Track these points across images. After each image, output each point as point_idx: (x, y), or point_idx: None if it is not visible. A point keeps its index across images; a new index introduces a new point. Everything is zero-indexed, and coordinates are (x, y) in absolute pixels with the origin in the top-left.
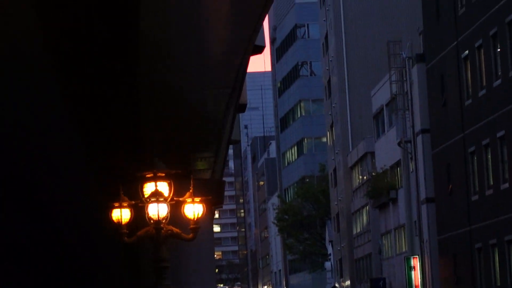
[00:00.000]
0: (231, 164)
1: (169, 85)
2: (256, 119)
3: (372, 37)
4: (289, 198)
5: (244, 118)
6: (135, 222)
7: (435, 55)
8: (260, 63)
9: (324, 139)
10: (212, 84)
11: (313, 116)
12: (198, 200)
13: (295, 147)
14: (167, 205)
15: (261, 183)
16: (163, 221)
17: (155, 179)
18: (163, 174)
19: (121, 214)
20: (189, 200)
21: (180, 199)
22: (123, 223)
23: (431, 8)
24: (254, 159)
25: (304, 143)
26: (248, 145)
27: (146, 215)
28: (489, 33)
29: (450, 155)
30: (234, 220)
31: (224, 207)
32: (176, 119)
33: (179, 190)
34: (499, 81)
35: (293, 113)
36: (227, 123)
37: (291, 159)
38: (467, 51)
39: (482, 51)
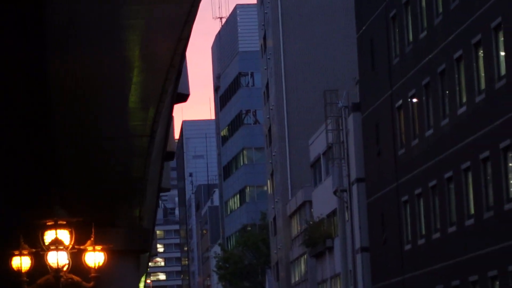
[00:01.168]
0: (176, 212)
1: (83, 133)
2: (201, 167)
3: (312, 86)
4: (231, 247)
5: (189, 166)
6: (36, 270)
7: (370, 104)
8: (206, 111)
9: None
10: (127, 133)
11: (256, 164)
12: (100, 249)
13: (238, 196)
14: (67, 253)
15: (205, 231)
16: (63, 269)
17: (55, 227)
18: (64, 222)
19: (21, 262)
20: (89, 248)
21: (81, 247)
22: (23, 271)
23: (367, 58)
24: (198, 207)
25: (246, 191)
26: (192, 193)
27: (46, 263)
28: (422, 83)
29: (384, 204)
30: (179, 268)
31: (170, 255)
32: (91, 168)
33: (100, 238)
34: (431, 131)
35: (236, 161)
36: (149, 171)
37: (233, 207)
38: (400, 101)
39: (415, 100)
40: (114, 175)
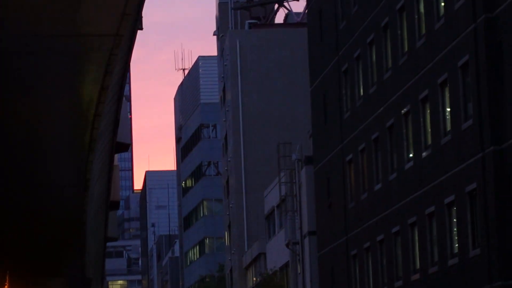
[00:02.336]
0: (140, 262)
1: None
2: (164, 217)
3: (269, 138)
4: None
5: (152, 216)
6: None
7: (322, 158)
8: (170, 161)
9: None
10: (59, 182)
11: (216, 216)
12: None
13: (197, 247)
14: None
15: (166, 282)
16: None
17: None
18: None
19: None
20: None
21: None
22: None
23: (320, 112)
24: (159, 257)
25: (206, 242)
26: (154, 243)
27: None
28: (371, 137)
29: (334, 258)
30: None
31: None
32: (26, 218)
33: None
34: (379, 185)
35: (196, 212)
36: (86, 220)
37: (193, 258)
38: (351, 155)
39: (364, 155)
40: (50, 225)
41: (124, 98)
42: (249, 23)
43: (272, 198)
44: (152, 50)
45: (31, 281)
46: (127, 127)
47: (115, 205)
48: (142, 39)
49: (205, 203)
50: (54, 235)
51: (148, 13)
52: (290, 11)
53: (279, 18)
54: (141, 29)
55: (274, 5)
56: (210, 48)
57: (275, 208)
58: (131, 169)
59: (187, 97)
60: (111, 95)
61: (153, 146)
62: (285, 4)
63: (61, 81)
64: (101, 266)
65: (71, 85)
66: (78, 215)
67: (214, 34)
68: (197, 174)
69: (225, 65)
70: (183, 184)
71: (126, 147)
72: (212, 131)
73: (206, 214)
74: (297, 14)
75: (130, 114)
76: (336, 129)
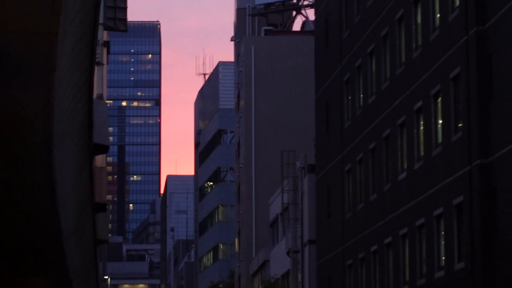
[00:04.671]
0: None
1: None
2: (183, 222)
3: (281, 146)
4: None
5: (172, 220)
6: None
7: (323, 166)
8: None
9: None
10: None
11: (230, 222)
12: None
13: (211, 252)
14: None
15: (181, 287)
16: None
17: None
18: None
19: None
20: None
21: None
22: None
23: (323, 121)
24: (176, 262)
25: (219, 248)
26: (172, 248)
27: None
28: (369, 147)
29: (332, 267)
30: None
31: None
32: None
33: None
34: (374, 195)
35: (211, 218)
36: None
37: (207, 264)
38: (349, 164)
39: (362, 165)
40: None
41: (101, 99)
42: (265, 29)
43: (276, 206)
44: (185, 55)
45: (10, 281)
46: (105, 129)
47: (101, 207)
48: (170, 44)
49: (220, 208)
50: (29, 236)
51: (175, 18)
52: (307, 18)
53: (297, 25)
54: (125, 31)
55: (292, 12)
56: (232, 53)
57: (279, 216)
58: (159, 173)
59: (207, 102)
60: (71, 96)
61: (180, 150)
62: (303, 11)
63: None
64: (95, 269)
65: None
66: (49, 217)
67: (231, 40)
68: (214, 179)
69: (240, 71)
70: (200, 189)
71: (105, 149)
72: (230, 136)
73: (221, 219)
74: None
75: (160, 118)
76: (337, 139)
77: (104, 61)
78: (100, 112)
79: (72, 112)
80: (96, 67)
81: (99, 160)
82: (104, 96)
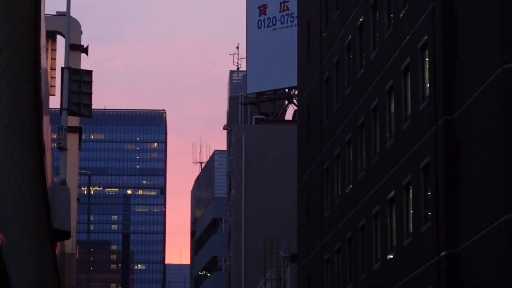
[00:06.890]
0: None
1: None
2: None
3: (271, 234)
4: None
5: None
6: None
7: (305, 256)
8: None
9: None
10: None
11: None
12: None
13: None
14: None
15: None
16: None
17: None
18: None
19: None
20: None
21: None
22: None
23: (304, 210)
24: None
25: None
26: None
27: None
28: (346, 237)
29: None
30: None
31: None
32: None
33: None
34: (350, 285)
35: None
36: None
37: None
38: (328, 254)
39: (339, 254)
40: None
41: (63, 185)
42: (256, 118)
43: None
44: (188, 143)
45: None
46: (66, 215)
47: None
48: (175, 132)
49: None
50: None
51: (182, 106)
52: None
53: (290, 114)
54: (90, 116)
55: (284, 101)
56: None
57: None
58: (163, 262)
59: (203, 190)
60: (14, 181)
61: (185, 238)
62: (294, 100)
63: None
64: (53, 265)
65: None
66: None
67: (224, 129)
68: (209, 268)
69: (231, 159)
70: (195, 278)
71: (67, 235)
72: (225, 225)
73: None
74: None
75: (164, 207)
76: (317, 228)
77: (71, 147)
78: (61, 198)
79: (23, 196)
80: (60, 153)
81: (68, 246)
82: (73, 182)
